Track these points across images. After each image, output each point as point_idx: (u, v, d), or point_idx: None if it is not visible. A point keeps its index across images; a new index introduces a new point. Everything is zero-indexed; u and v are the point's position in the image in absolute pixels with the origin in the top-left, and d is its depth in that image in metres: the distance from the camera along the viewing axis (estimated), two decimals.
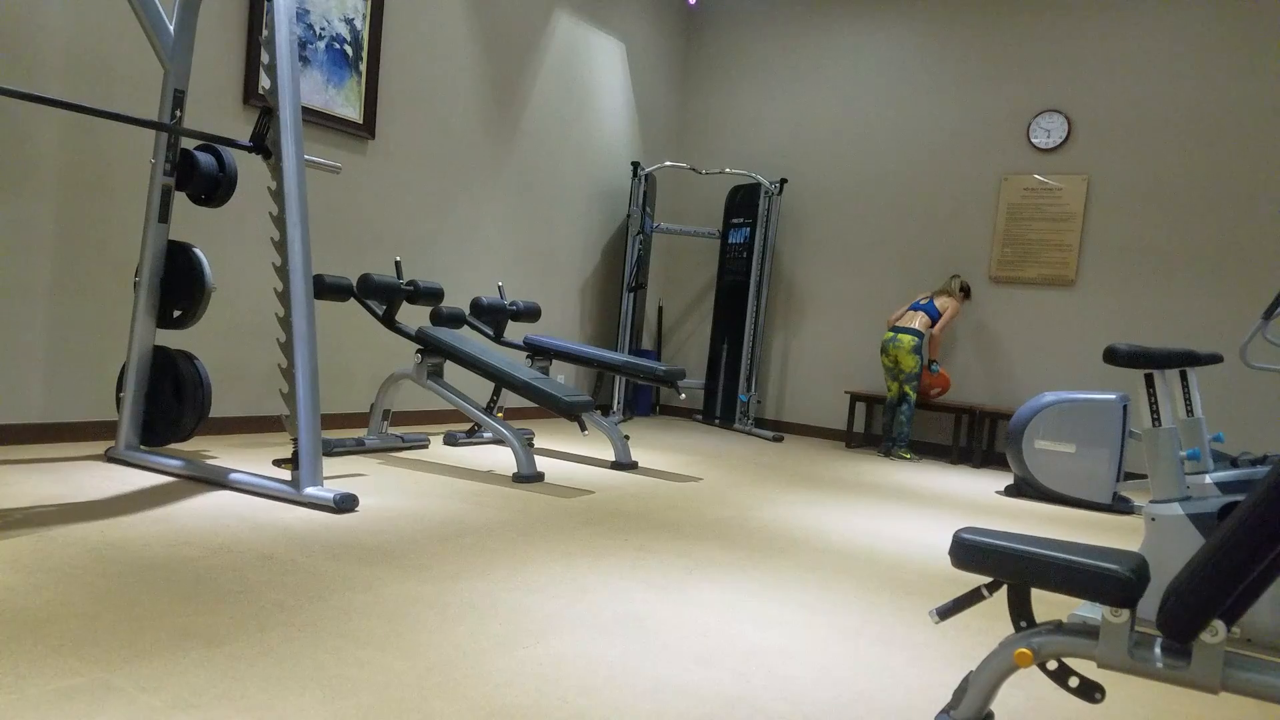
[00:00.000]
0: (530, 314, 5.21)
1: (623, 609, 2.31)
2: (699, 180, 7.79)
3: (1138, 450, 5.92)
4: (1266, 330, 4.03)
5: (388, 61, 5.15)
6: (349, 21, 4.88)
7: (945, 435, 6.65)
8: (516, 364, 4.37)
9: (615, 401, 6.79)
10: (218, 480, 3.32)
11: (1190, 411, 2.83)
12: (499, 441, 5.14)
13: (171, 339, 4.15)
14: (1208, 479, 2.67)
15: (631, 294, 6.83)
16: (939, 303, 6.18)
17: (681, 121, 7.87)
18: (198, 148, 3.63)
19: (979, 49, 6.54)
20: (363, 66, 4.99)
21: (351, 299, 4.31)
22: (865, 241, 6.98)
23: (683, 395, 6.22)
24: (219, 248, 4.40)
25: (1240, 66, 5.71)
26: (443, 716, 1.59)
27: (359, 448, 4.34)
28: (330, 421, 5.04)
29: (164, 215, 3.62)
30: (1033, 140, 6.32)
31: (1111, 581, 1.26)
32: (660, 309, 7.91)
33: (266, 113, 3.35)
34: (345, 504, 3.09)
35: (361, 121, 5.01)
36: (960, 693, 1.43)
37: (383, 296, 4.36)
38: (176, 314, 3.65)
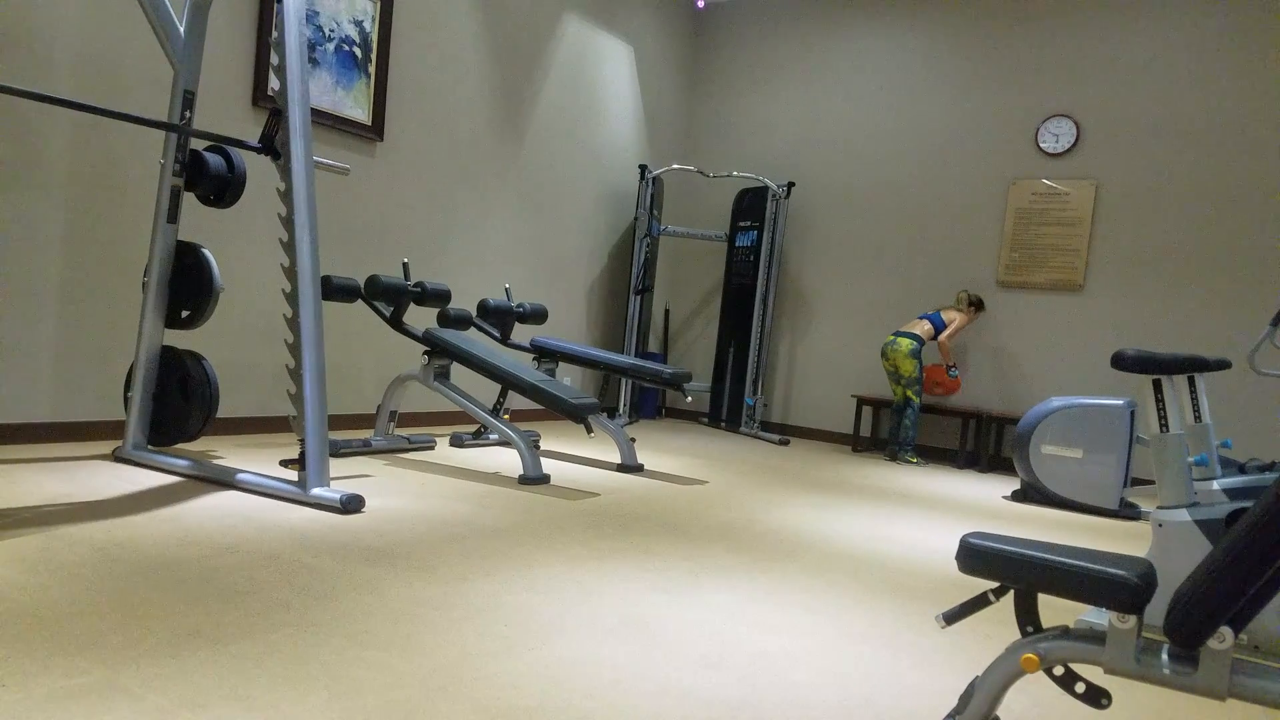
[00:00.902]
0: (537, 316, 5.22)
1: (628, 612, 2.31)
2: (706, 183, 7.79)
3: (1145, 456, 5.90)
4: (1275, 336, 4.01)
5: (396, 64, 5.17)
6: (358, 23, 4.90)
7: (952, 439, 6.63)
8: (523, 366, 4.37)
9: (621, 404, 6.79)
10: (225, 480, 3.33)
11: (1198, 417, 2.82)
12: (505, 443, 5.14)
13: (180, 339, 4.17)
14: (1215, 485, 2.66)
15: (638, 297, 6.83)
16: (946, 315, 6.23)
17: (689, 125, 7.88)
18: (207, 148, 3.65)
19: (988, 54, 6.53)
20: (371, 68, 5.01)
21: (359, 300, 4.32)
22: (872, 245, 6.97)
23: (689, 398, 6.22)
24: (227, 248, 4.41)
25: (1249, 73, 5.70)
26: (448, 718, 1.59)
27: (366, 449, 4.35)
28: (337, 422, 5.05)
29: (173, 216, 3.64)
30: (1041, 145, 6.31)
31: (1118, 587, 1.26)
32: (667, 312, 7.91)
33: (276, 114, 3.36)
34: (352, 505, 3.10)
35: (370, 123, 5.03)
36: (966, 698, 1.42)
37: (390, 298, 4.37)
38: (185, 314, 3.67)
